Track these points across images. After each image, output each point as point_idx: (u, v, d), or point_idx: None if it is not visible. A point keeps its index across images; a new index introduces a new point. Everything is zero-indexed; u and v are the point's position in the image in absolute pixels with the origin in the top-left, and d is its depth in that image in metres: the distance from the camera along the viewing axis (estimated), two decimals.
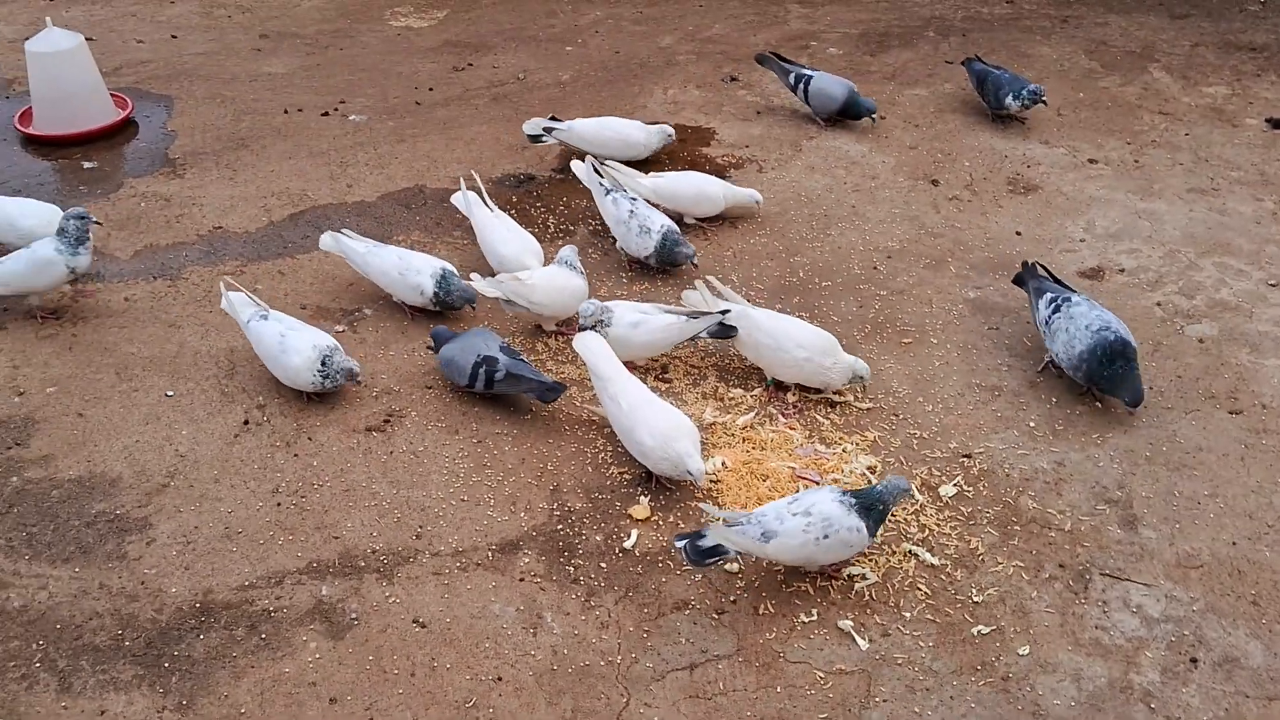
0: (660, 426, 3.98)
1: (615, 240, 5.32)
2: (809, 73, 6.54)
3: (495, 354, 4.40)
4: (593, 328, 4.43)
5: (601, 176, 5.42)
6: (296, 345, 4.40)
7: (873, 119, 6.49)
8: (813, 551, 3.58)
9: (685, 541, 3.63)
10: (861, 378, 4.42)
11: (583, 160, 5.56)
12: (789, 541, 3.56)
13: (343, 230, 5.13)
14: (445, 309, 4.95)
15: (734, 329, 4.51)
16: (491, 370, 4.37)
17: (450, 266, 4.96)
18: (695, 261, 5.17)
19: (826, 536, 3.56)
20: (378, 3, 8.60)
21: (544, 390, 4.37)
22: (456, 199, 5.46)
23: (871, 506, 3.63)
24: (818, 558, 3.63)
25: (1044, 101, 6.49)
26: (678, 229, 5.21)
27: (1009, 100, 6.47)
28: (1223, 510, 4.01)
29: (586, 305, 4.49)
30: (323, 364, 4.37)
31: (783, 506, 3.64)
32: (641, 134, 6.03)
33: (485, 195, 5.34)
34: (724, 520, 3.65)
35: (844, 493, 3.65)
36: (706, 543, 3.59)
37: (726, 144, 6.47)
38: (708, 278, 4.73)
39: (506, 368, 4.37)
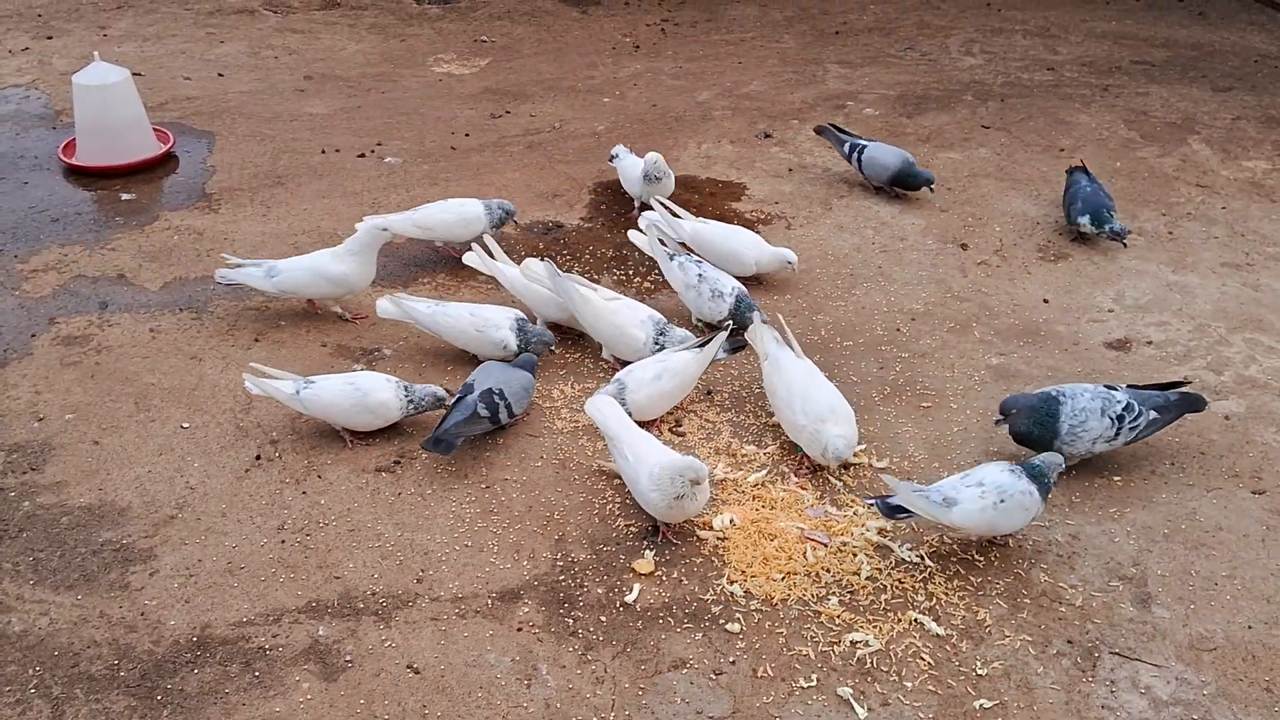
0: (661, 469, 3.97)
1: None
2: (864, 142, 6.49)
3: (477, 387, 4.43)
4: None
5: (665, 244, 5.35)
6: (373, 384, 4.44)
7: (930, 189, 6.39)
8: (993, 517, 3.85)
9: (877, 500, 3.96)
10: (826, 455, 4.27)
11: (642, 232, 5.50)
12: (969, 507, 3.84)
13: (400, 293, 5.09)
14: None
15: (743, 342, 4.75)
16: (462, 396, 4.43)
17: (520, 313, 4.95)
18: (766, 319, 5.06)
19: (1003, 501, 3.83)
20: (422, 50, 8.74)
21: (437, 439, 4.36)
22: (470, 259, 5.39)
23: (1037, 476, 3.92)
24: (999, 524, 3.89)
25: (1123, 242, 6.00)
26: (746, 290, 5.19)
27: (1080, 219, 6.01)
28: (1240, 592, 3.91)
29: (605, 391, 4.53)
30: (406, 390, 4.47)
31: (955, 480, 3.95)
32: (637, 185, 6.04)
33: (493, 248, 5.31)
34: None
35: (1011, 464, 3.97)
36: (895, 501, 3.89)
37: (756, 199, 6.48)
38: (779, 316, 4.77)
39: (466, 403, 4.39)
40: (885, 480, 4.04)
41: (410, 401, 4.47)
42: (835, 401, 4.37)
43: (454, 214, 5.57)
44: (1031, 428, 4.36)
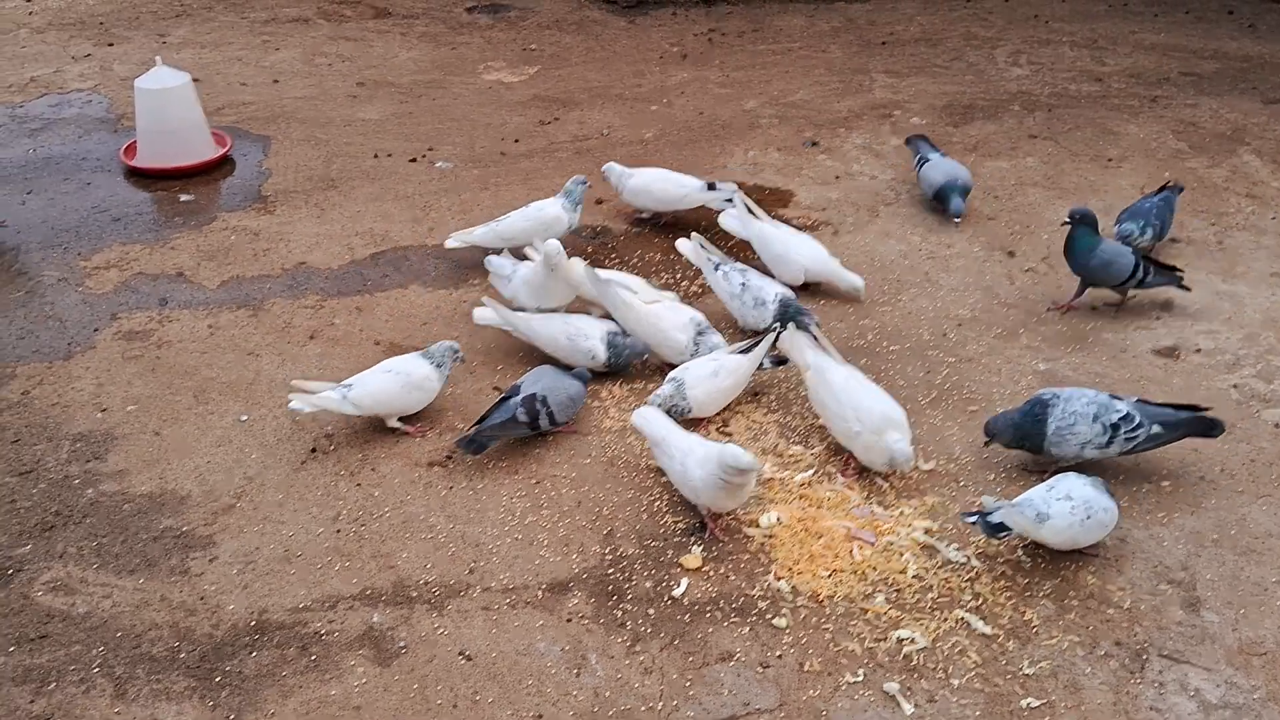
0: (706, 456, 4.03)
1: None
2: (930, 157, 6.48)
3: (523, 390, 4.49)
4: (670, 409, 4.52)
5: (709, 253, 5.39)
6: (408, 364, 4.59)
7: (956, 220, 6.28)
8: (1077, 533, 3.93)
9: (976, 517, 3.97)
10: (896, 461, 4.29)
11: (688, 238, 5.56)
12: (1058, 523, 3.90)
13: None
14: (618, 370, 4.97)
15: (785, 359, 4.74)
16: (507, 397, 4.51)
17: (614, 325, 4.98)
18: (814, 329, 4.90)
19: (1089, 517, 3.91)
20: (472, 57, 8.87)
21: (471, 438, 4.44)
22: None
23: (1108, 489, 4.03)
24: (1080, 539, 3.96)
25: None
26: (793, 294, 5.21)
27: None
28: None
29: (653, 399, 4.58)
30: (429, 355, 4.65)
31: (1043, 492, 3.99)
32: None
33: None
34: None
35: (1092, 477, 4.03)
36: (995, 519, 3.91)
37: (803, 206, 6.53)
38: (814, 329, 4.82)
39: (508, 406, 4.46)
40: (983, 501, 4.04)
41: (437, 365, 4.60)
42: (889, 408, 4.38)
43: (534, 220, 5.62)
44: (1020, 427, 4.38)
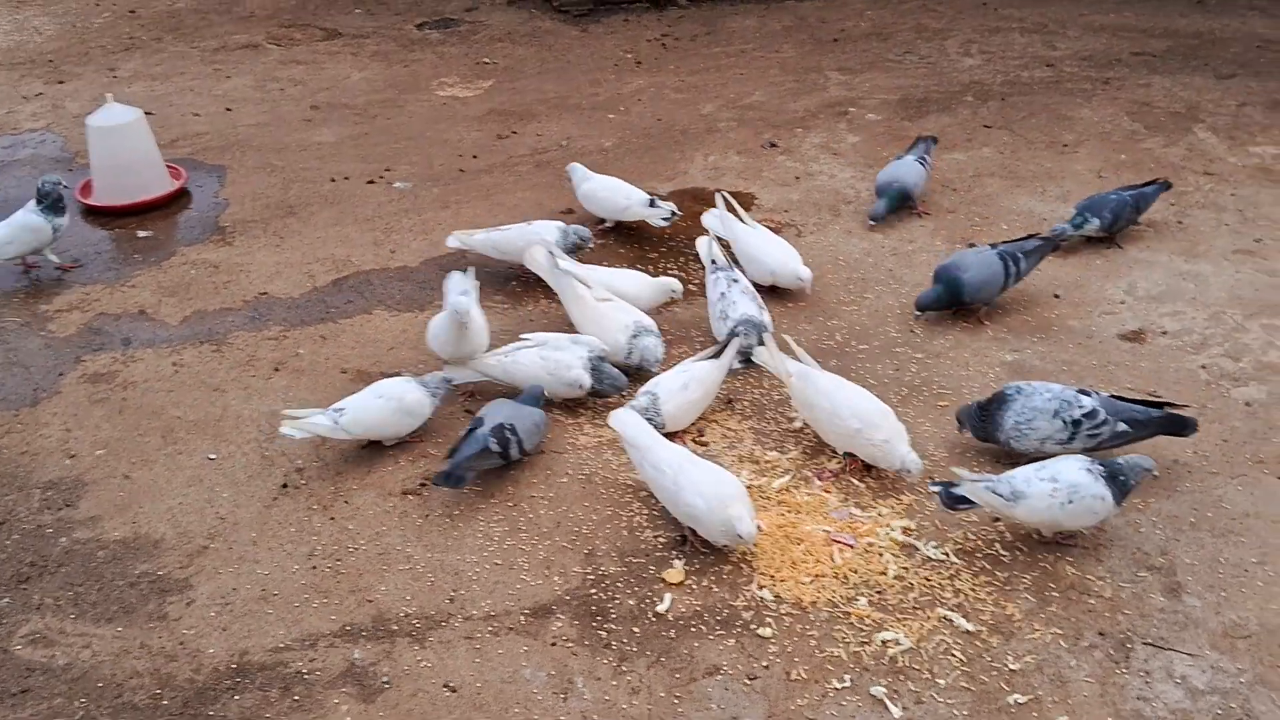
0: (709, 489, 3.99)
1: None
2: (903, 156, 6.45)
3: (487, 421, 4.42)
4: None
5: (714, 256, 5.38)
6: (399, 388, 4.59)
7: (870, 223, 6.27)
8: (1057, 515, 3.89)
9: (941, 488, 3.97)
10: (909, 471, 4.30)
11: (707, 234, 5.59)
12: (1035, 504, 3.87)
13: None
14: (600, 395, 4.88)
15: (751, 360, 4.80)
16: (472, 429, 4.43)
17: (598, 346, 4.88)
18: (753, 343, 4.89)
19: (1071, 502, 3.86)
20: (425, 74, 8.81)
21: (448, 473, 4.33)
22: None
23: (1115, 476, 3.92)
24: (1062, 522, 3.93)
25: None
26: (764, 321, 5.04)
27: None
28: (1271, 578, 3.92)
29: (634, 405, 4.54)
30: (422, 384, 4.67)
31: (1030, 472, 3.95)
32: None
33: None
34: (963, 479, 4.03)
35: (1092, 461, 3.95)
36: (959, 492, 3.92)
37: (766, 208, 6.53)
38: (784, 336, 4.79)
39: (477, 438, 4.37)
40: (956, 471, 4.08)
41: (431, 393, 4.64)
42: (878, 404, 4.43)
43: (529, 241, 5.54)
44: (979, 421, 4.42)
